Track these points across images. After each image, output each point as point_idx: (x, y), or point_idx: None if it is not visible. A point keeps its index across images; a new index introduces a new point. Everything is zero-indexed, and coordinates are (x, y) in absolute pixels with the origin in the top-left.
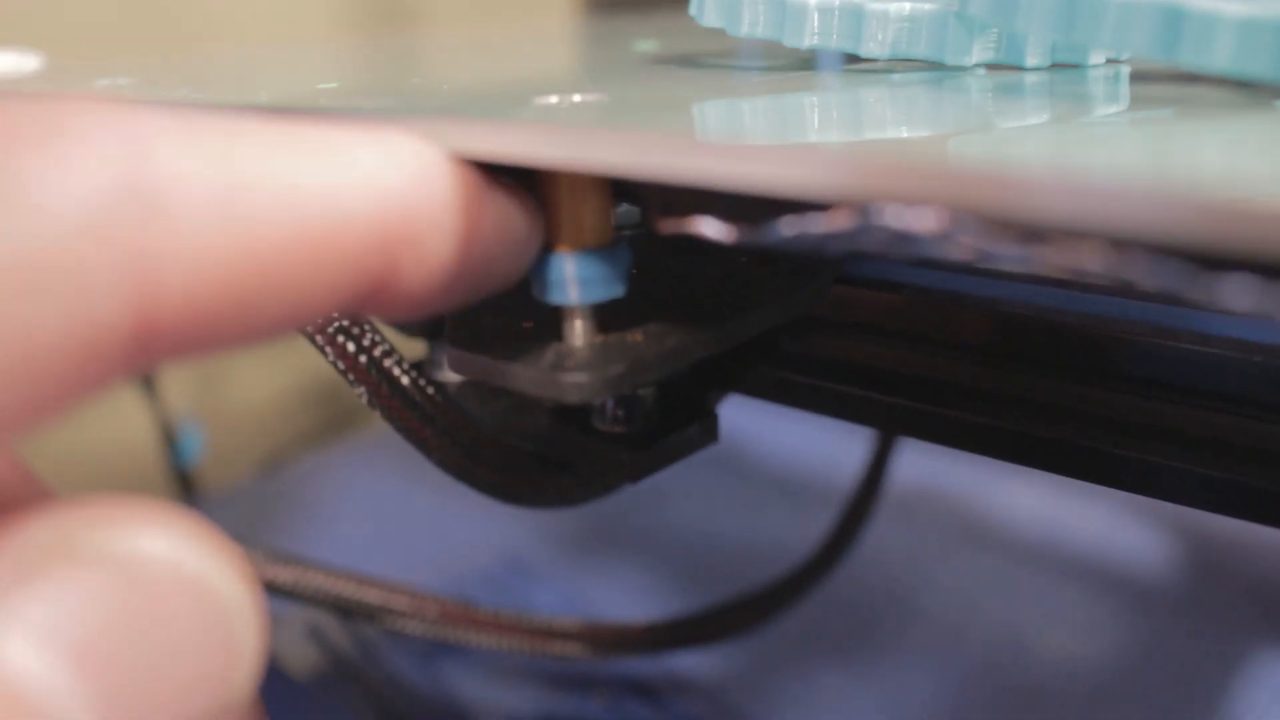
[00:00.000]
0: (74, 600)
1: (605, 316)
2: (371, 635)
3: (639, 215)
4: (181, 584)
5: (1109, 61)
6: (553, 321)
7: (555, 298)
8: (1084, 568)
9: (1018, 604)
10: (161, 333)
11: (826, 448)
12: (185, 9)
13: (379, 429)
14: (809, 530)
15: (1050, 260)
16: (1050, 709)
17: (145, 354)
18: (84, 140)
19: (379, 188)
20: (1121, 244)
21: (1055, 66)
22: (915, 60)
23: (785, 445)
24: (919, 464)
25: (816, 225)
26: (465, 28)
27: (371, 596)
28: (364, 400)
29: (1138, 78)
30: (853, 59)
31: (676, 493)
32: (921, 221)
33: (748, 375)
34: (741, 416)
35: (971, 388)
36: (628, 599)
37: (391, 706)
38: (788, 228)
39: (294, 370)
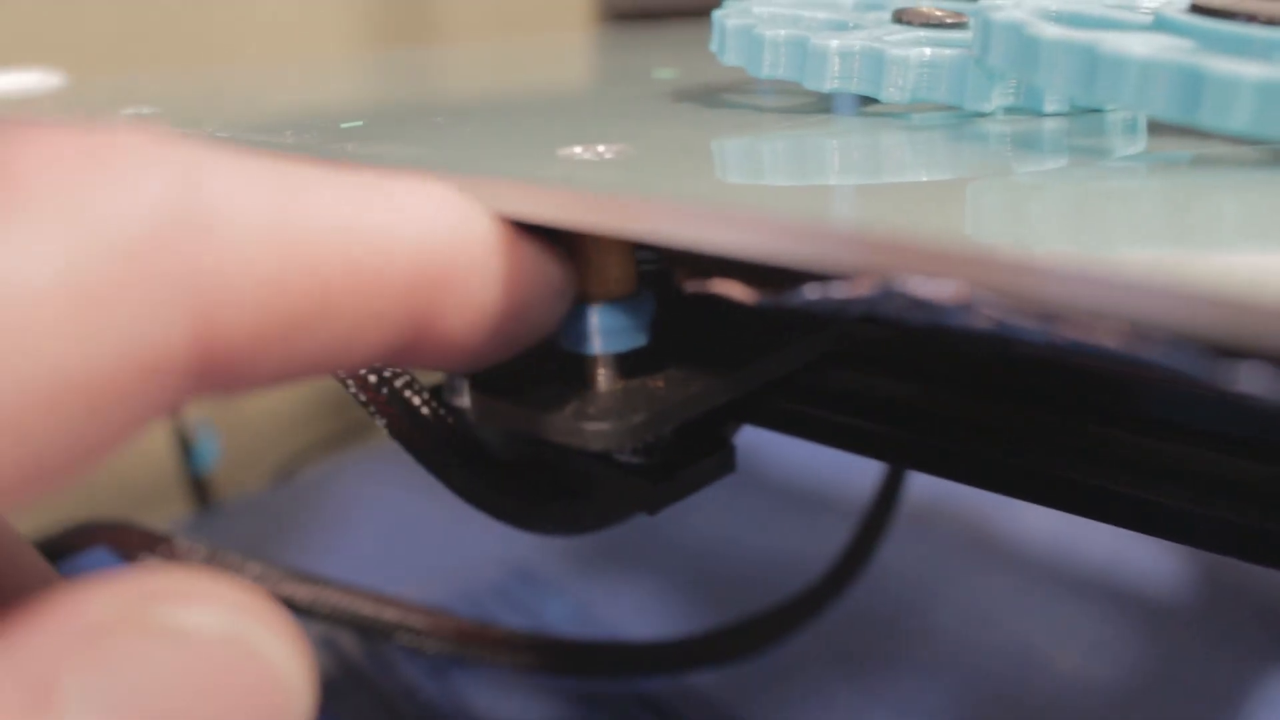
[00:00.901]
0: (140, 674)
1: (628, 362)
2: (384, 647)
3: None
4: (242, 658)
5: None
6: (576, 366)
7: (579, 348)
8: (1096, 586)
9: (1030, 621)
10: (219, 358)
11: (841, 461)
12: (207, 22)
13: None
14: (823, 543)
15: (1069, 336)
16: None
17: (203, 381)
18: (139, 166)
19: (424, 229)
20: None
21: (1074, 113)
22: (935, 104)
23: (798, 458)
24: (932, 481)
25: (838, 291)
26: (482, 41)
27: (388, 615)
28: (385, 430)
29: (1155, 126)
30: (872, 99)
31: (690, 506)
32: (942, 291)
33: (763, 408)
34: (756, 430)
35: (987, 425)
36: (639, 612)
37: (403, 718)
38: (810, 292)
39: (310, 379)
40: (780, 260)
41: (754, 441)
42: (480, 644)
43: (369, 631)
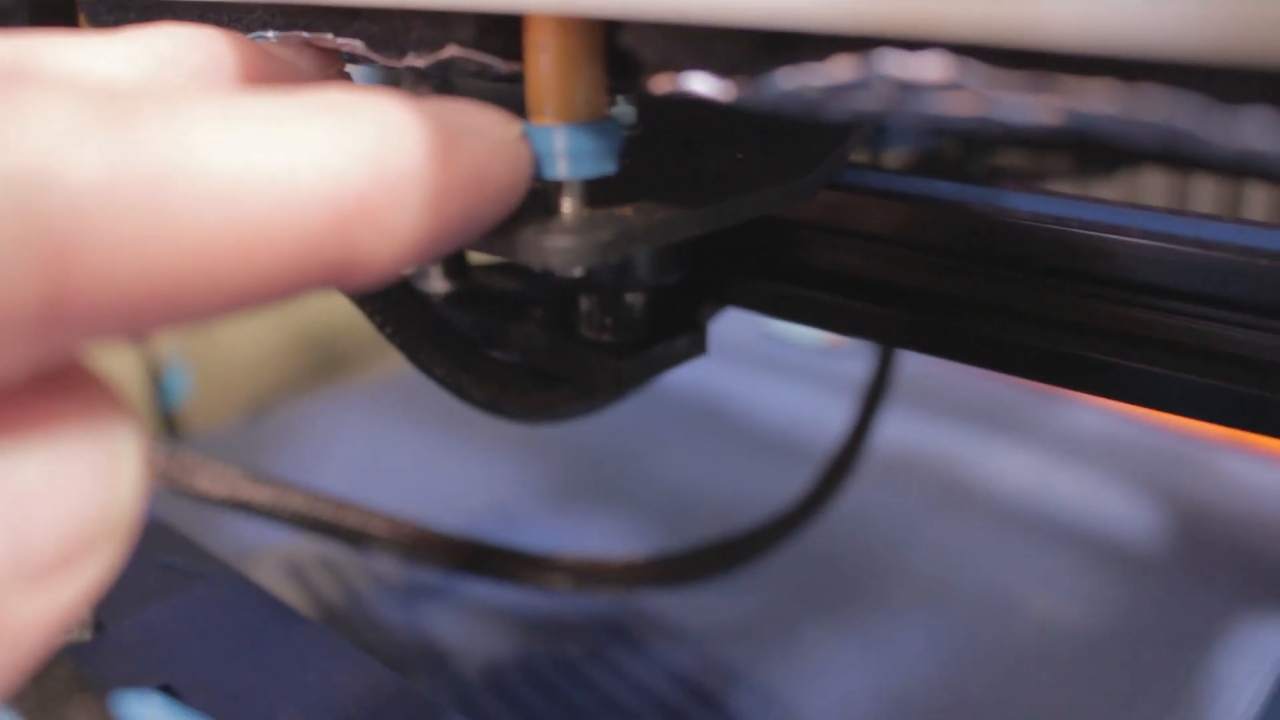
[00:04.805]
0: None
1: (596, 193)
2: (351, 574)
3: (635, 115)
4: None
5: None
6: (543, 197)
7: (544, 172)
8: (1070, 533)
9: (1003, 566)
10: (79, 313)
11: (816, 411)
12: None
13: (366, 377)
14: (798, 490)
15: (1060, 105)
16: (1033, 669)
17: (61, 332)
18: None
19: (328, 171)
20: (1134, 78)
21: None
22: None
23: (773, 408)
24: (907, 428)
25: (816, 78)
26: None
27: (350, 520)
28: (350, 301)
29: None
30: None
31: (666, 453)
32: (926, 70)
33: (741, 288)
34: (730, 379)
35: (969, 298)
36: (611, 549)
37: (370, 646)
38: (785, 80)
39: (283, 315)
40: (754, 21)
41: (733, 389)
42: (432, 549)
43: (324, 531)
